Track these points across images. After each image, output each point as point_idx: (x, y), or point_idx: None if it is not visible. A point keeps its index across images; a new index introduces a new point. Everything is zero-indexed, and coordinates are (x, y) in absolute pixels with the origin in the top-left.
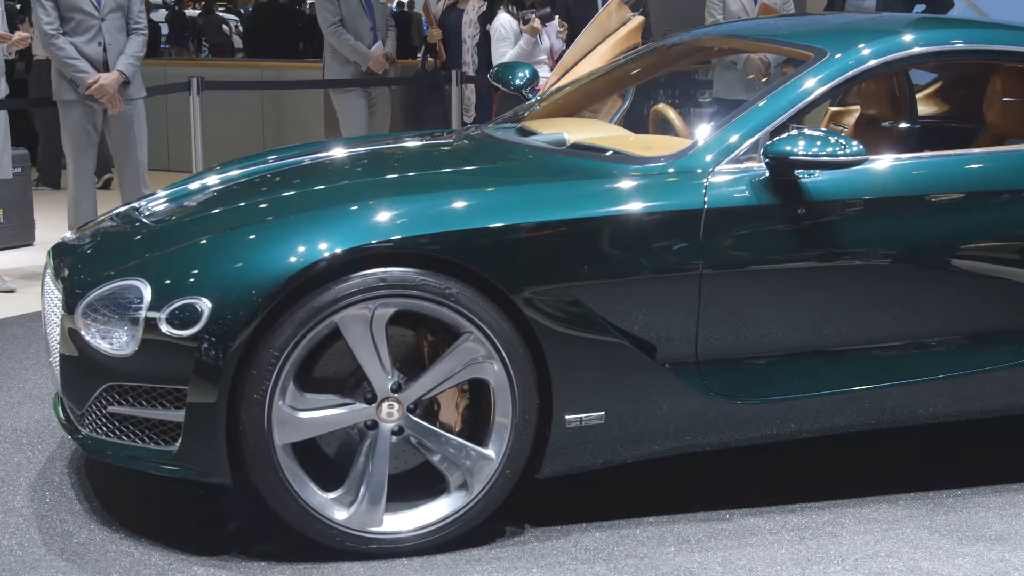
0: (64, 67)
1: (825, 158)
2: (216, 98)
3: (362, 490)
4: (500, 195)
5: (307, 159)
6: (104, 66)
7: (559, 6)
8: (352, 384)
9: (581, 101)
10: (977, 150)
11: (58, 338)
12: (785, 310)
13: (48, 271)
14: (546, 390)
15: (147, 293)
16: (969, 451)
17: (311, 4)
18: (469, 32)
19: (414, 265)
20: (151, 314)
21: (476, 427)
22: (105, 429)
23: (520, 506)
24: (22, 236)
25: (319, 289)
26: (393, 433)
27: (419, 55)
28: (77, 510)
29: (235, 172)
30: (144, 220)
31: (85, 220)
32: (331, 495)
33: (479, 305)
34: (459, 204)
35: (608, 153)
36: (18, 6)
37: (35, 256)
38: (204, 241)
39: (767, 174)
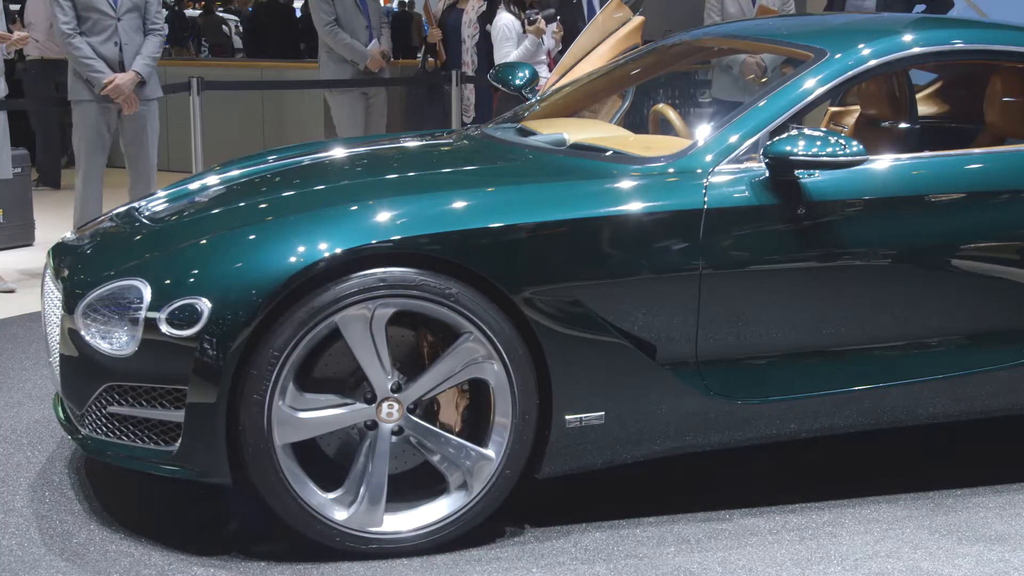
0: (80, 67)
1: (825, 158)
2: (216, 98)
3: (362, 490)
4: (500, 195)
5: (307, 159)
6: (120, 66)
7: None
8: (352, 384)
9: (581, 101)
10: (977, 150)
11: (58, 338)
12: (785, 310)
13: (48, 271)
14: (546, 390)
15: (147, 293)
16: (969, 451)
17: (302, 5)
18: (468, 32)
19: (414, 265)
20: (151, 314)
21: (476, 427)
22: (105, 429)
23: (520, 506)
24: (22, 236)
25: (319, 289)
26: (393, 433)
27: (419, 55)
28: (77, 510)
29: (235, 172)
30: (144, 220)
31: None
32: (331, 495)
33: (479, 305)
34: (459, 204)
35: (608, 153)
36: (13, 7)
37: (35, 256)
38: (204, 241)
39: (767, 174)
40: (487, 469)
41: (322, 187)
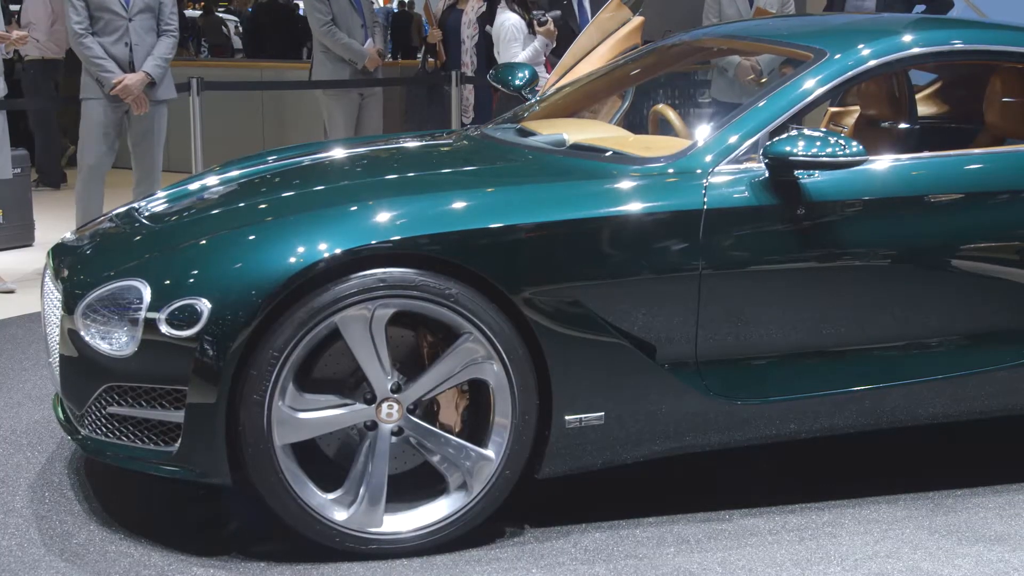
0: (90, 66)
1: (825, 158)
2: (216, 99)
3: (362, 491)
4: (500, 195)
5: (307, 160)
6: (130, 67)
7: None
8: (352, 385)
9: (581, 101)
10: (977, 150)
11: (58, 339)
12: (785, 310)
13: (48, 272)
14: (546, 390)
15: (147, 294)
16: (969, 451)
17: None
18: (468, 33)
19: (414, 266)
20: (151, 314)
21: (476, 428)
22: (105, 430)
23: (520, 506)
24: (22, 237)
25: (319, 289)
26: (393, 434)
27: (419, 55)
28: (77, 511)
29: (235, 173)
30: (144, 221)
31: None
32: (331, 496)
33: (479, 305)
34: (459, 204)
35: (608, 153)
36: (13, 7)
37: (35, 257)
38: (204, 242)
39: (767, 174)
40: (487, 469)
41: (322, 187)
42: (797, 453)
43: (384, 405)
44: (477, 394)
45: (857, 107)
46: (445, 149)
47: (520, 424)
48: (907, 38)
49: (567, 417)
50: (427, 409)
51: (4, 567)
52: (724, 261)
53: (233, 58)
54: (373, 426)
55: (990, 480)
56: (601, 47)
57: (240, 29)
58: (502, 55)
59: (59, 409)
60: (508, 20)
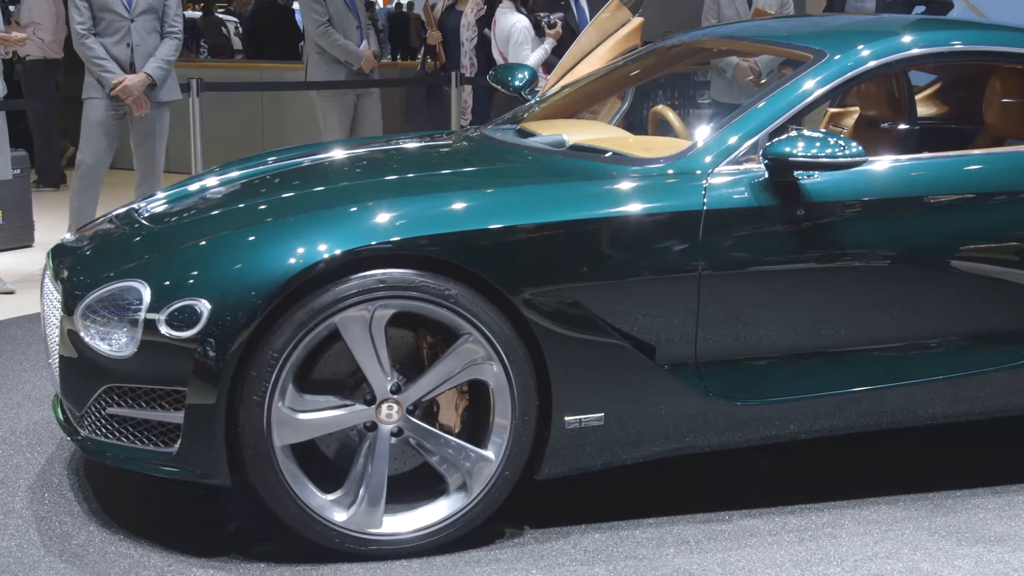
0: (92, 67)
1: (824, 159)
2: (215, 99)
3: (361, 491)
4: (499, 196)
5: (306, 160)
6: (131, 67)
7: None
8: (351, 385)
9: (580, 102)
10: (976, 151)
11: (57, 339)
12: (784, 311)
13: (47, 272)
14: (545, 391)
15: (146, 294)
16: (968, 452)
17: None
18: (467, 35)
19: (413, 266)
20: (150, 315)
21: (475, 428)
22: (104, 430)
23: (519, 507)
24: (21, 237)
25: (318, 290)
26: (392, 434)
27: (419, 56)
28: (76, 512)
29: (234, 173)
30: (143, 221)
31: (86, 222)
32: (330, 496)
33: (478, 306)
34: (458, 205)
35: (607, 154)
36: (11, 7)
37: (34, 257)
38: (203, 242)
39: (766, 175)
40: (486, 470)
41: (321, 188)
42: (797, 454)
43: (384, 406)
44: (477, 395)
45: (857, 108)
46: (445, 150)
47: (520, 425)
48: (907, 39)
49: (567, 418)
50: (427, 410)
51: (4, 568)
52: (724, 262)
53: (233, 59)
54: (373, 427)
55: (990, 481)
56: (601, 48)
57: (240, 30)
58: (511, 58)
59: (59, 410)
60: (519, 23)
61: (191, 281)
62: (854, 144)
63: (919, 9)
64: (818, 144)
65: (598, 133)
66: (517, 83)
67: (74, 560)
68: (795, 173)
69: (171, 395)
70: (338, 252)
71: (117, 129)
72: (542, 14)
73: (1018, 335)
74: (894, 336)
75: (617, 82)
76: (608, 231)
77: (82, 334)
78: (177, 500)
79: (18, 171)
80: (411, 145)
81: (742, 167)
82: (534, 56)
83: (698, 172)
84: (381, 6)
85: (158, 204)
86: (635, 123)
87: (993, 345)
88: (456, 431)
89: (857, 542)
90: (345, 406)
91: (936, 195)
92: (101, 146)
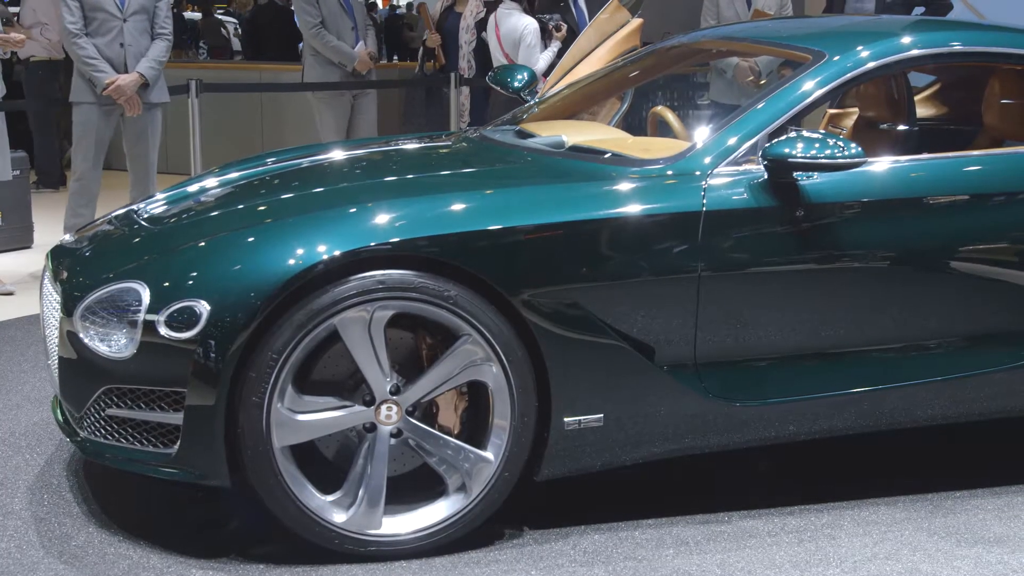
0: (84, 66)
1: (823, 160)
2: (215, 100)
3: (361, 492)
4: (499, 197)
5: (306, 161)
6: (124, 68)
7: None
8: (351, 386)
9: (580, 103)
10: (975, 152)
11: (57, 341)
12: (784, 312)
13: (47, 274)
14: (545, 392)
15: (146, 296)
16: (968, 453)
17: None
18: (466, 38)
19: (413, 267)
20: (150, 316)
21: (475, 429)
22: (104, 432)
23: (519, 508)
24: (21, 239)
25: (318, 291)
26: (392, 435)
27: (418, 58)
28: (75, 513)
29: (234, 174)
30: (143, 223)
31: (82, 224)
32: (330, 497)
33: (478, 307)
34: (458, 206)
35: (607, 155)
36: (13, 9)
37: (34, 259)
38: (203, 243)
39: (766, 176)
40: (486, 471)
41: (321, 189)
42: (796, 455)
43: (383, 407)
44: (476, 396)
45: (856, 109)
46: (444, 151)
47: (519, 426)
48: (906, 40)
49: (566, 419)
50: (426, 411)
51: (3, 569)
52: (723, 263)
53: (232, 60)
54: (372, 428)
55: (989, 482)
56: (600, 49)
57: (239, 31)
58: (521, 60)
59: (58, 411)
60: (530, 25)
61: (190, 282)
62: (853, 145)
63: (918, 10)
64: (817, 145)
65: (597, 134)
66: (516, 84)
67: (73, 561)
68: (794, 174)
69: (170, 396)
70: (337, 253)
71: (109, 131)
72: (546, 16)
73: (1017, 336)
74: (893, 337)
75: (616, 83)
76: (607, 232)
77: (81, 335)
78: (176, 501)
79: (18, 172)
80: (410, 146)
81: (741, 168)
82: (544, 59)
83: (697, 173)
84: (380, 7)
85: (157, 205)
86: (634, 124)
87: (992, 346)
88: (455, 432)
89: (856, 543)
90: (344, 407)
91: (935, 196)
92: (93, 149)
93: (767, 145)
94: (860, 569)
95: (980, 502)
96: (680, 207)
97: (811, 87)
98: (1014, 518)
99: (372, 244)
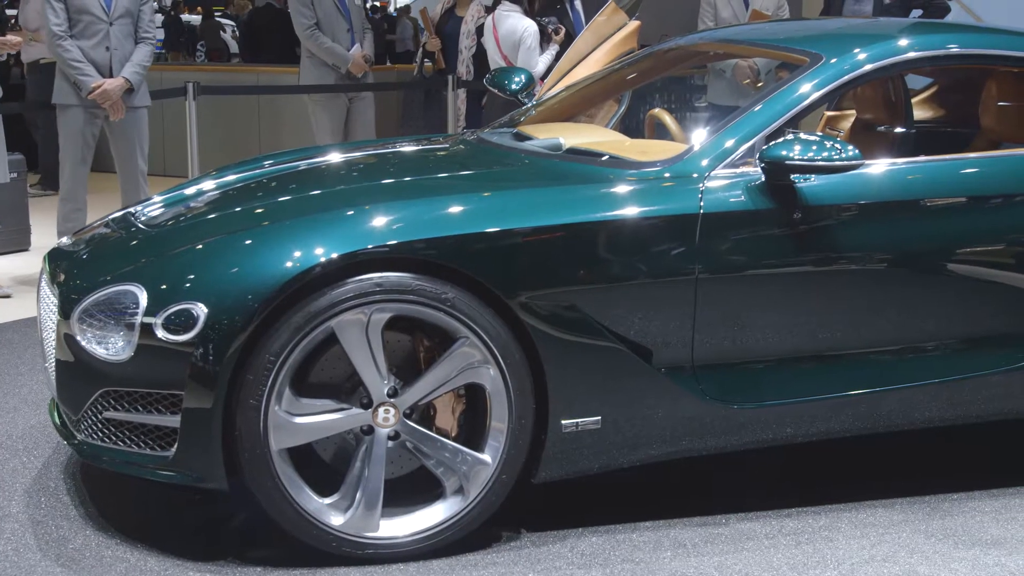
0: (69, 69)
1: (821, 162)
2: (212, 103)
3: (358, 495)
4: (496, 200)
5: (303, 164)
6: (109, 71)
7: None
8: (348, 389)
9: (577, 106)
10: (973, 154)
11: (54, 343)
12: (781, 314)
13: (44, 276)
14: (542, 395)
15: (143, 298)
16: (965, 455)
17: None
18: (466, 43)
19: (410, 270)
20: (147, 319)
21: (472, 432)
22: (101, 434)
23: (516, 511)
24: (18, 241)
25: (315, 294)
26: (389, 438)
27: (416, 60)
28: (73, 516)
29: (231, 177)
30: (140, 225)
31: (74, 228)
32: (327, 500)
33: (475, 310)
34: (455, 209)
35: (604, 158)
36: (11, 11)
37: (31, 261)
38: (200, 246)
39: (763, 179)
40: (483, 474)
41: (318, 192)
42: (794, 457)
43: (380, 410)
44: (473, 398)
45: (853, 111)
46: (441, 153)
47: (516, 428)
48: (903, 42)
49: (563, 421)
50: (423, 413)
51: (0, 572)
52: (720, 265)
53: (230, 62)
54: (369, 430)
55: (986, 484)
56: (597, 51)
57: (237, 33)
58: (521, 62)
59: (55, 414)
60: (531, 27)
61: (188, 285)
62: (850, 147)
63: (916, 12)
64: (814, 147)
65: (594, 137)
66: (514, 87)
67: (70, 564)
68: (792, 176)
69: (168, 399)
70: (335, 256)
71: (94, 134)
72: (545, 19)
73: (1014, 338)
74: (890, 339)
75: (614, 86)
76: (605, 235)
77: (78, 338)
78: (174, 504)
79: (15, 175)
80: (408, 149)
81: (739, 170)
82: (542, 61)
83: (695, 175)
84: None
85: (154, 208)
86: (632, 127)
87: (989, 348)
88: (453, 435)
89: (854, 545)
90: (342, 410)
91: (932, 198)
92: (80, 153)
93: (764, 147)
94: (857, 571)
95: (977, 504)
96: (677, 209)
97: (808, 89)
98: (1011, 520)
99: (369, 247)
